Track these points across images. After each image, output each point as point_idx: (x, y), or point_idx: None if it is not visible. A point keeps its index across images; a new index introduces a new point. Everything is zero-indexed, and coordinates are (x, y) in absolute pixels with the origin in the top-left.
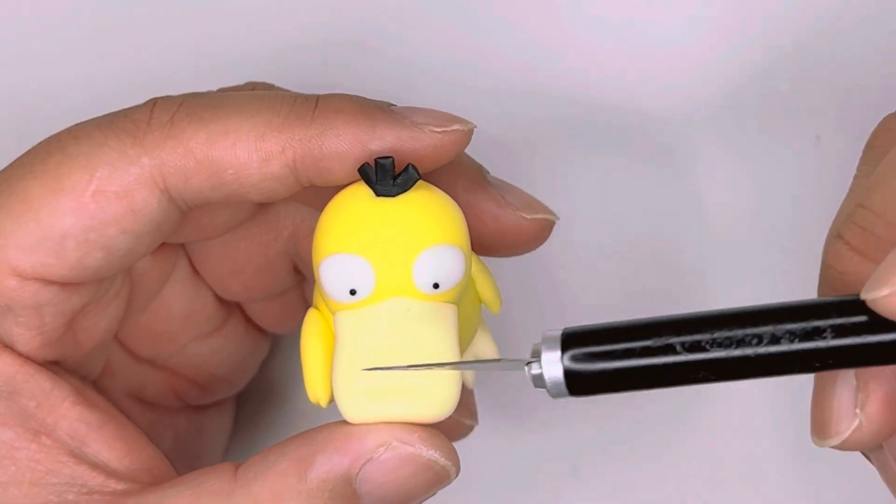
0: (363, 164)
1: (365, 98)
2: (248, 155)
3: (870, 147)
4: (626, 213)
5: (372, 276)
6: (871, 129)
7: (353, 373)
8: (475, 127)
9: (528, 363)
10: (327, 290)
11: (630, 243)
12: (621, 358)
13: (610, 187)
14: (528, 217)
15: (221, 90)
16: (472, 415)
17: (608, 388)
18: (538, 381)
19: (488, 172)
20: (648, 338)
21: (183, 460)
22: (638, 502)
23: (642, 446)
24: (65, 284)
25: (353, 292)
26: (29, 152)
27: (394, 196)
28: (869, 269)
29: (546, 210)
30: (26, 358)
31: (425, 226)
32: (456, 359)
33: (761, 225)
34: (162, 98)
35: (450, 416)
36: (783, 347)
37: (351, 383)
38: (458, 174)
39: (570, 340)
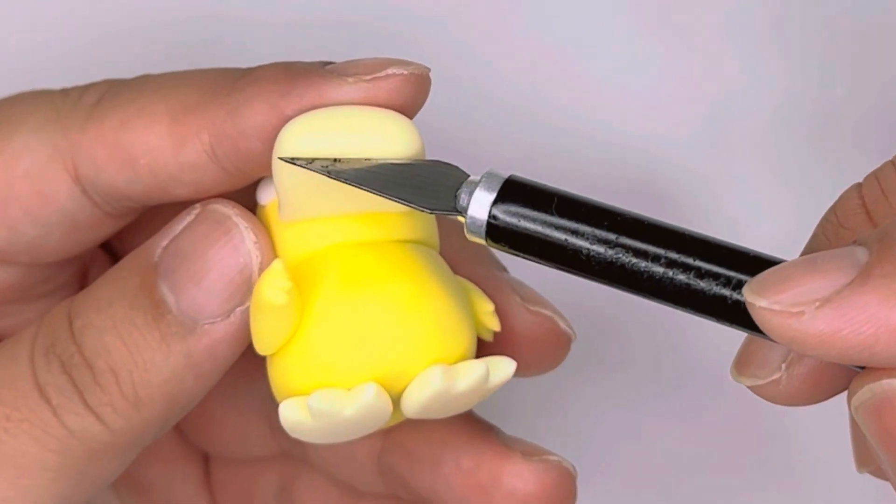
0: None
1: (296, 62)
2: (160, 140)
3: None
4: None
5: None
6: None
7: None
8: (427, 70)
9: (458, 191)
10: None
11: None
12: (549, 227)
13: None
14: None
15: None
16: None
17: (523, 249)
18: (461, 211)
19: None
20: (584, 221)
21: None
22: None
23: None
24: None
25: None
26: None
27: None
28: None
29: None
30: None
31: None
32: None
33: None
34: (108, 80)
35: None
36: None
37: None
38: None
39: (509, 191)
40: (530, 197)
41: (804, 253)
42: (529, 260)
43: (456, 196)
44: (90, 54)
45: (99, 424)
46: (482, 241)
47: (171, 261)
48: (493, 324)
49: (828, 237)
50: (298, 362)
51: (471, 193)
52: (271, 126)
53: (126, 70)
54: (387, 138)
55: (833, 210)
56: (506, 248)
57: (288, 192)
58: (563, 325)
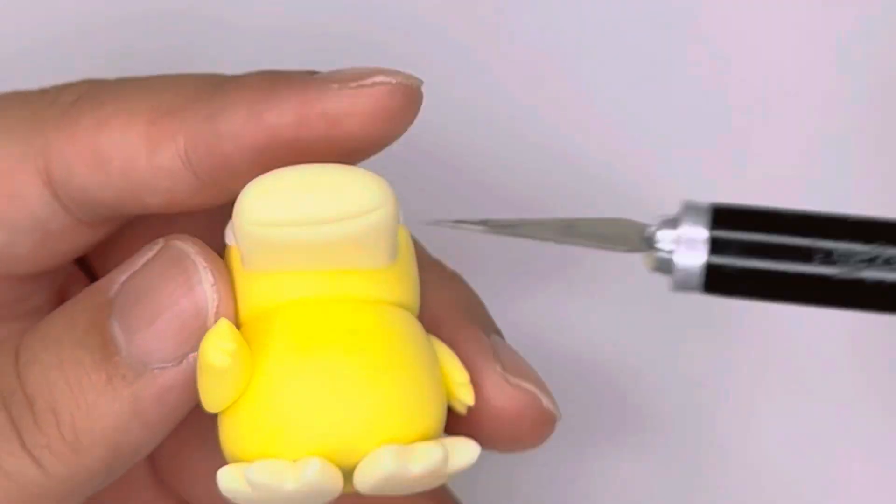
0: None
1: (281, 69)
2: (136, 142)
3: None
4: None
5: None
6: None
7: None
8: (418, 82)
9: (647, 234)
10: None
11: None
12: (787, 259)
13: None
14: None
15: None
16: None
17: (754, 292)
18: (663, 265)
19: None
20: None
21: None
22: None
23: None
24: None
25: None
26: None
27: None
28: None
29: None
30: None
31: None
32: None
33: None
34: (87, 80)
35: None
36: None
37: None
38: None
39: (723, 223)
40: (751, 225)
41: None
42: (756, 301)
43: (647, 239)
44: (66, 50)
45: (35, 468)
46: (694, 292)
47: (125, 299)
48: (467, 397)
49: None
50: (243, 426)
51: (674, 234)
52: (249, 131)
53: (103, 68)
54: (358, 195)
55: None
56: (725, 295)
57: (250, 247)
58: (546, 402)
